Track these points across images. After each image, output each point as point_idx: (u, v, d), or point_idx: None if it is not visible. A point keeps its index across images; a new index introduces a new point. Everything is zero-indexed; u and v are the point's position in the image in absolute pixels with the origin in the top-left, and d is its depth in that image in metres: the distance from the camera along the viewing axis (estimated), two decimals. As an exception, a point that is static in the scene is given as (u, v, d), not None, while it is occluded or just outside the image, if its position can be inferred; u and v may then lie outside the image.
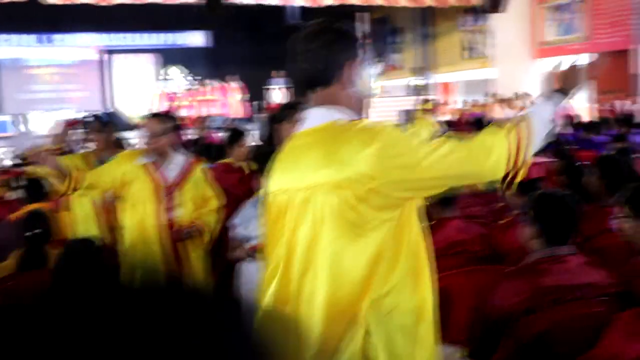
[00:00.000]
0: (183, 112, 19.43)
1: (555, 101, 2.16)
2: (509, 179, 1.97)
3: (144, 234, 3.99)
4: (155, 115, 4.19)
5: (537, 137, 2.02)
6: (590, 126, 9.31)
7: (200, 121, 13.26)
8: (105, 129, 4.84)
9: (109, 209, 4.50)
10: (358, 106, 2.06)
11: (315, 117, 2.01)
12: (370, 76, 2.09)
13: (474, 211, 4.54)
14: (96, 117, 4.91)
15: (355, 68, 2.01)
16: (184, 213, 4.05)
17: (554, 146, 6.80)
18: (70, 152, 5.41)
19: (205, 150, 7.09)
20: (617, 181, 4.02)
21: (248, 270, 3.55)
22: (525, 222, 2.88)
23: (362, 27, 19.76)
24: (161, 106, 19.95)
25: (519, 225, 3.03)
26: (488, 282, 2.99)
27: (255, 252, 3.40)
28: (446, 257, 3.64)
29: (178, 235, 3.98)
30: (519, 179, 1.99)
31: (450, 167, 1.87)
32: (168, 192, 4.02)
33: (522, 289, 2.70)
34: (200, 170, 4.22)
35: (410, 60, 22.21)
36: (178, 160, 4.14)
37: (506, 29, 18.10)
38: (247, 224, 3.55)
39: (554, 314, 2.65)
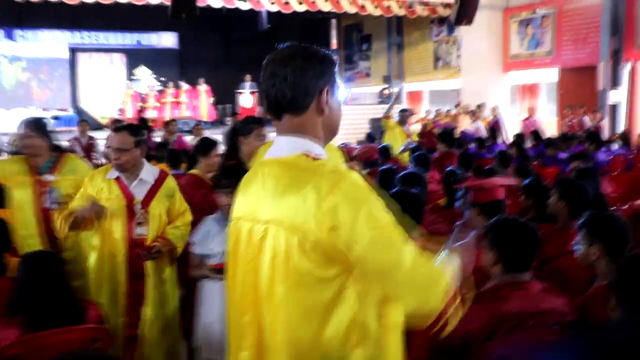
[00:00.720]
0: (151, 114, 19.28)
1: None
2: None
3: (112, 251, 3.89)
4: (122, 129, 4.03)
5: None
6: (555, 142, 9.41)
7: (168, 124, 13.09)
8: (39, 133, 4.48)
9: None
10: (328, 134, 1.99)
11: (283, 147, 1.94)
12: (342, 101, 2.04)
13: (438, 228, 4.53)
14: (31, 121, 4.65)
15: (330, 95, 1.93)
16: (154, 228, 3.95)
17: (518, 164, 6.87)
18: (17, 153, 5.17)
19: (172, 156, 6.85)
20: (579, 204, 4.08)
21: (209, 289, 3.49)
22: (485, 247, 2.89)
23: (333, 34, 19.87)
24: (129, 107, 19.76)
25: (479, 248, 3.05)
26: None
27: (215, 271, 3.34)
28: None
29: (147, 256, 3.87)
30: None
31: (388, 272, 1.81)
32: (139, 207, 3.92)
33: (482, 315, 2.69)
34: (171, 182, 4.11)
35: (381, 68, 22.29)
36: (149, 173, 4.03)
37: (476, 40, 18.26)
38: (205, 242, 3.47)
39: (513, 340, 2.66)
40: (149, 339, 3.90)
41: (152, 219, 3.94)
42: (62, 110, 20.62)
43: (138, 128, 4.18)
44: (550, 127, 15.54)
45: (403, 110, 10.24)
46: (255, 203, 1.93)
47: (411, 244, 1.85)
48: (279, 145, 1.96)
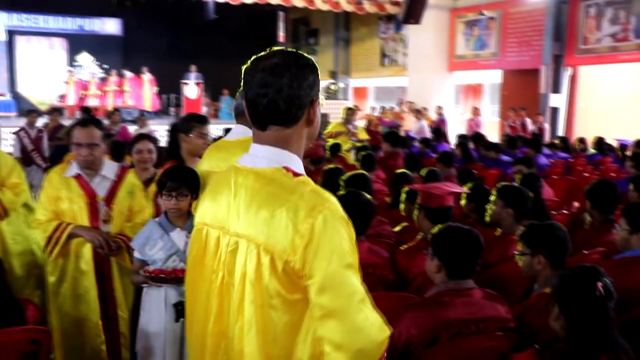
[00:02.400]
0: (92, 102, 18.83)
1: None
2: None
3: (78, 253, 3.73)
4: (89, 123, 3.79)
5: None
6: (497, 145, 9.56)
7: (112, 114, 12.81)
8: None
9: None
10: (309, 142, 1.90)
11: (261, 157, 1.82)
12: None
13: (382, 230, 4.55)
14: None
15: (317, 106, 1.84)
16: (117, 226, 3.80)
17: (462, 168, 6.96)
18: None
19: (115, 148, 6.49)
20: (524, 211, 4.13)
21: (149, 297, 3.33)
22: (428, 254, 2.91)
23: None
24: (71, 94, 19.27)
25: (423, 253, 3.07)
26: (389, 309, 2.98)
27: (154, 279, 3.20)
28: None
29: (110, 253, 3.70)
30: None
31: (344, 303, 1.72)
32: (102, 205, 3.76)
33: (425, 320, 2.71)
34: (132, 177, 3.94)
35: (327, 63, 22.30)
36: (109, 169, 3.86)
37: (423, 39, 18.43)
38: (146, 247, 3.29)
39: (454, 346, 2.68)
40: (119, 335, 3.81)
41: (116, 217, 3.80)
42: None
43: (100, 121, 3.98)
44: (492, 128, 15.84)
45: (349, 109, 10.23)
46: (225, 212, 1.84)
47: (365, 293, 1.77)
48: (256, 155, 1.84)
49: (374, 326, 1.76)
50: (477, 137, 10.85)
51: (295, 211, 1.70)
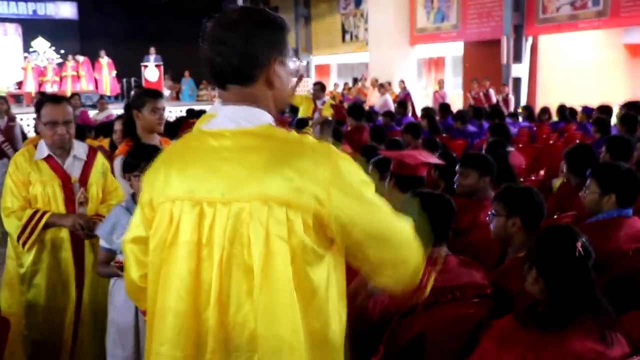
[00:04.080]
0: (50, 88, 18.43)
1: None
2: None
3: (55, 240, 3.54)
4: (60, 100, 3.60)
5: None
6: (462, 115, 9.53)
7: (71, 99, 12.49)
8: None
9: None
10: (279, 108, 1.78)
11: (240, 117, 1.69)
12: (293, 72, 1.79)
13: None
14: None
15: (280, 65, 1.71)
16: (92, 209, 3.60)
17: (427, 138, 6.90)
18: None
19: (76, 131, 6.28)
20: (489, 175, 4.09)
21: (119, 289, 3.09)
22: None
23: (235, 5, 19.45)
24: (30, 81, 18.84)
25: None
26: (363, 281, 2.90)
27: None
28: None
29: (87, 235, 3.48)
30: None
31: (387, 228, 1.70)
32: (77, 186, 3.57)
33: (400, 290, 2.63)
34: (102, 158, 3.74)
35: (290, 41, 22.04)
36: (80, 149, 3.65)
37: (383, 14, 18.35)
38: (111, 235, 3.07)
39: (430, 315, 2.61)
40: (86, 322, 3.62)
41: (91, 199, 3.61)
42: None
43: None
44: (455, 101, 15.84)
45: (316, 84, 10.09)
46: (208, 181, 1.66)
47: (399, 216, 1.75)
48: (231, 116, 1.70)
49: (414, 248, 1.77)
50: (444, 108, 10.83)
51: (314, 161, 1.61)
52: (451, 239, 3.76)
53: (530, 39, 15.88)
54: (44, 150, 3.55)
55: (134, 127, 3.90)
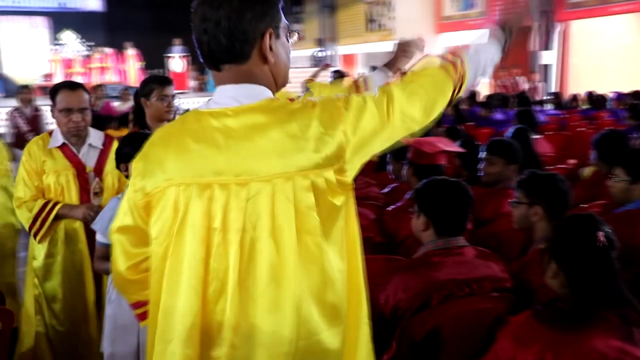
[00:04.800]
0: (78, 80, 18.50)
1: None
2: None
3: (69, 232, 3.43)
4: (76, 86, 3.48)
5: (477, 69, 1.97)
6: (489, 103, 9.33)
7: (95, 90, 12.51)
8: None
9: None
10: (280, 83, 1.70)
11: (241, 94, 1.60)
12: (290, 47, 1.72)
13: (369, 192, 4.33)
14: None
15: (274, 39, 1.62)
16: (107, 199, 3.41)
17: (449, 125, 6.72)
18: None
19: (96, 121, 6.22)
20: (515, 163, 3.93)
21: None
22: (414, 212, 2.68)
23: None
24: (58, 73, 18.96)
25: (409, 213, 2.85)
26: (377, 273, 2.77)
27: None
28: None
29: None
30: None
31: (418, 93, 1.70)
32: (93, 176, 3.47)
33: (414, 283, 2.50)
34: None
35: (314, 30, 21.96)
36: (96, 137, 3.56)
37: (408, 1, 18.11)
38: (108, 230, 2.92)
39: (446, 310, 2.47)
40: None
41: (106, 189, 3.49)
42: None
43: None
44: (484, 89, 15.55)
45: (335, 72, 9.94)
46: (213, 162, 1.56)
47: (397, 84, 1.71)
48: (231, 94, 1.61)
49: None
50: (470, 96, 10.62)
51: (329, 115, 1.58)
52: (473, 229, 3.66)
53: (560, 25, 15.50)
54: (58, 138, 3.47)
55: (143, 116, 3.79)
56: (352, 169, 1.61)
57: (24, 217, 3.40)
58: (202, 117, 1.61)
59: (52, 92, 3.43)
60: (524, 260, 2.84)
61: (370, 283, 2.66)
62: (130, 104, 11.90)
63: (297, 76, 17.01)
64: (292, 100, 1.64)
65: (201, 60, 1.65)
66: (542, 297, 2.45)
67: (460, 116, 8.83)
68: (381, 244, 3.49)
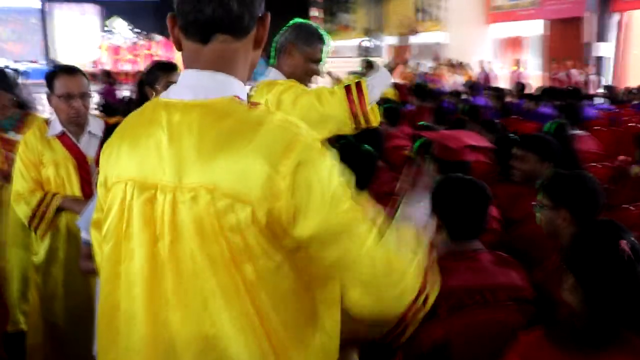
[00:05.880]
0: (125, 67, 18.71)
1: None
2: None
3: (70, 220, 3.24)
4: (74, 71, 3.27)
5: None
6: (536, 96, 8.96)
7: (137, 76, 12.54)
8: (3, 87, 3.86)
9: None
10: (250, 74, 1.52)
11: (202, 85, 1.43)
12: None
13: (394, 187, 4.11)
14: None
15: (267, 24, 1.49)
16: None
17: (486, 118, 6.45)
18: None
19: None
20: (550, 160, 3.68)
21: None
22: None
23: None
24: (106, 60, 19.22)
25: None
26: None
27: None
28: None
29: None
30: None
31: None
32: (94, 167, 3.26)
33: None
34: None
35: (362, 20, 21.75)
36: (95, 125, 3.35)
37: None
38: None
39: (455, 320, 2.26)
40: None
41: None
42: (33, 62, 19.94)
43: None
44: (535, 82, 15.11)
45: (365, 62, 9.72)
46: (158, 162, 1.41)
47: (374, 224, 1.43)
48: (196, 84, 1.44)
49: (397, 268, 1.46)
50: (518, 89, 10.27)
51: (269, 148, 1.34)
52: (501, 230, 3.42)
53: (617, 15, 14.90)
54: (56, 126, 3.27)
55: None
56: (280, 232, 1.40)
57: (23, 212, 3.24)
58: (157, 109, 1.45)
59: (49, 77, 3.23)
60: (549, 268, 2.59)
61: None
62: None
63: (343, 66, 16.90)
64: (254, 104, 1.44)
65: (184, 28, 1.43)
66: (566, 311, 2.22)
67: (505, 109, 8.50)
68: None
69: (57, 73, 3.23)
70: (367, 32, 21.10)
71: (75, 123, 3.25)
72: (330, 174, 1.38)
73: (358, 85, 2.79)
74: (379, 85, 2.86)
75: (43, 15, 21.77)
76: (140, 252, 1.43)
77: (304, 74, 3.07)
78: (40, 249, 3.33)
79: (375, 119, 2.86)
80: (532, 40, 18.03)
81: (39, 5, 21.52)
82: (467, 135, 3.65)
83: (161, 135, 1.41)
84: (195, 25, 1.41)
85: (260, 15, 1.46)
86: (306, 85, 3.07)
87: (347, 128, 2.82)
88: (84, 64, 19.89)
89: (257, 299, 1.38)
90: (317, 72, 3.11)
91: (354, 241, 1.39)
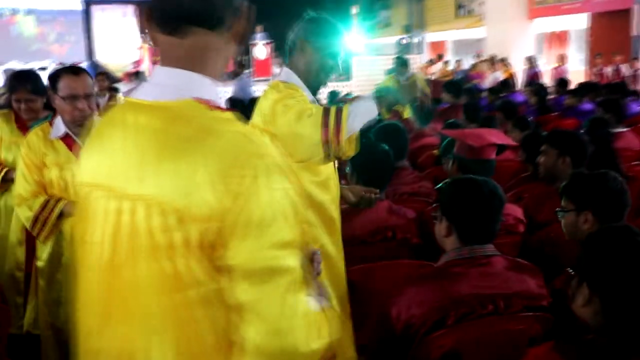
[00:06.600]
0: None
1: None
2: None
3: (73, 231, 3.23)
4: (79, 70, 3.18)
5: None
6: (577, 92, 8.66)
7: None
8: (38, 92, 3.75)
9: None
10: (220, 72, 1.41)
11: (165, 84, 1.33)
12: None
13: (418, 187, 3.97)
14: (28, 78, 3.94)
15: (247, 16, 1.40)
16: None
17: (519, 116, 6.24)
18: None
19: None
20: (580, 160, 3.50)
21: None
22: (436, 215, 2.32)
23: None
24: (146, 61, 19.40)
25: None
26: (399, 282, 2.42)
27: None
28: (370, 245, 3.10)
29: None
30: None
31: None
32: None
33: (429, 297, 2.15)
34: None
35: (401, 17, 21.52)
36: None
37: (500, -14, 17.45)
38: None
39: (465, 330, 2.12)
40: None
41: None
42: (77, 63, 20.21)
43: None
44: (578, 78, 14.69)
45: (397, 59, 9.55)
46: (111, 166, 1.32)
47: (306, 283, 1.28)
48: (158, 81, 1.35)
49: (304, 329, 1.24)
50: (560, 84, 9.97)
51: (215, 160, 1.20)
52: (526, 232, 3.25)
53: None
54: (60, 127, 3.17)
55: None
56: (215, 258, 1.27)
57: (25, 216, 3.15)
58: (123, 108, 1.37)
59: (53, 77, 3.13)
60: (568, 275, 2.42)
61: (389, 293, 2.36)
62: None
63: (383, 63, 16.69)
64: (216, 107, 1.32)
65: (158, 20, 1.34)
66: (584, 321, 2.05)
67: (545, 106, 8.25)
68: (418, 247, 3.15)
69: (61, 73, 3.12)
70: (407, 29, 20.89)
71: (80, 124, 3.15)
72: (279, 205, 1.23)
73: (339, 111, 2.47)
74: (363, 116, 2.50)
75: (86, 17, 22.13)
76: (91, 260, 1.36)
77: (320, 70, 2.81)
78: (44, 254, 3.26)
79: (350, 151, 2.51)
80: (575, 35, 17.60)
81: (80, 7, 21.87)
82: (491, 133, 3.49)
83: (118, 138, 1.32)
84: (164, 15, 1.32)
85: (238, 6, 1.37)
86: (324, 83, 2.87)
87: (318, 156, 2.49)
88: (126, 65, 20.20)
89: (190, 322, 1.26)
90: (334, 67, 2.85)
91: (273, 293, 1.22)
